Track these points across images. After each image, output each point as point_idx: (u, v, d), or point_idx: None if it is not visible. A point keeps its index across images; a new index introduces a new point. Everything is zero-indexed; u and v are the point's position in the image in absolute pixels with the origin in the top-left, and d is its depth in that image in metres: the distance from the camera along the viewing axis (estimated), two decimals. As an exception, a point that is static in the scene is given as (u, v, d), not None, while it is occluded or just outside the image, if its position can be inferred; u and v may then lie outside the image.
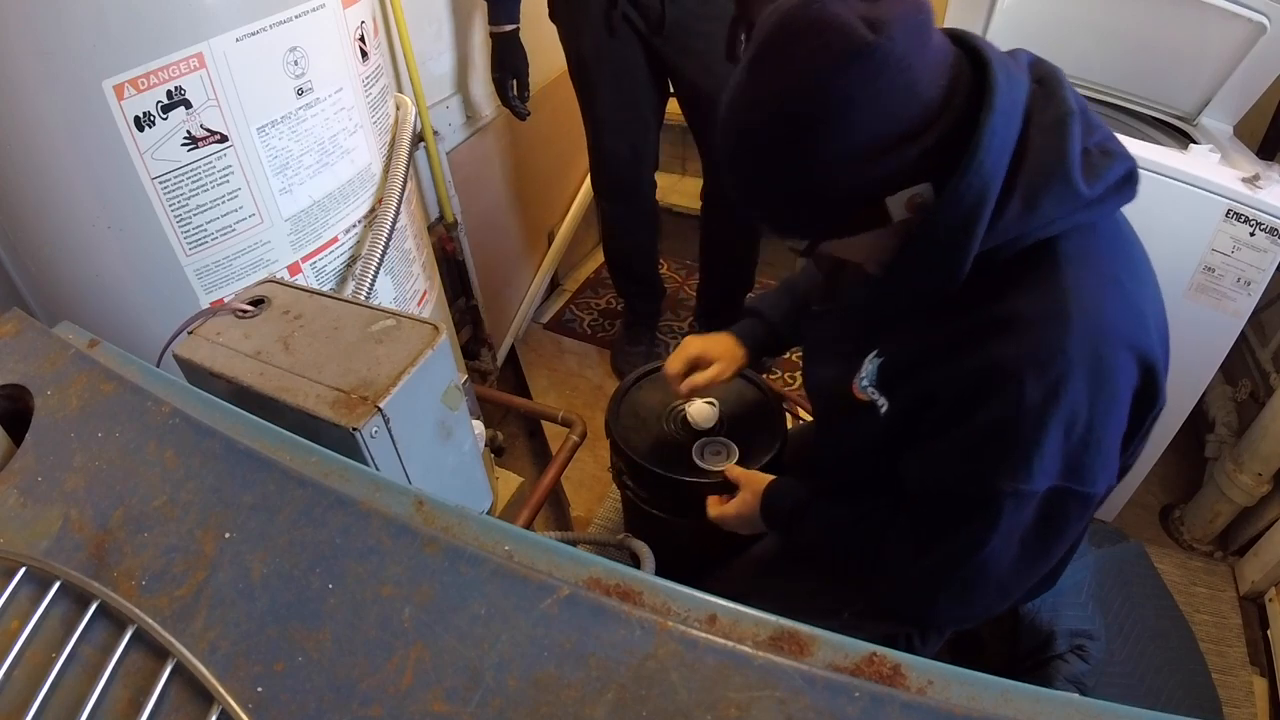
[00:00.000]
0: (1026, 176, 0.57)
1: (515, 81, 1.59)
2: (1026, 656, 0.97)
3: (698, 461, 1.12)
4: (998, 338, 0.60)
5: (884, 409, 0.71)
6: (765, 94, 0.57)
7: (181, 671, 0.40)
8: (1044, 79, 0.61)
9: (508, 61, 1.57)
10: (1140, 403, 0.63)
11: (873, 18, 0.52)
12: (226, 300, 0.67)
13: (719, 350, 1.05)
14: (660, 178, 1.89)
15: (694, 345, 1.05)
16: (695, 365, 1.04)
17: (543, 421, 1.81)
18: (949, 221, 0.57)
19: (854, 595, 0.90)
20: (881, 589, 0.78)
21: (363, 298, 0.97)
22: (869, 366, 0.72)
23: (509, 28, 1.54)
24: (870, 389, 0.72)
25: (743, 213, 0.66)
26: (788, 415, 1.18)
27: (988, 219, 0.57)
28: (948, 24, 1.46)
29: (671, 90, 1.68)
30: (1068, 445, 0.60)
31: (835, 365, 0.79)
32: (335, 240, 0.98)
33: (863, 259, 0.69)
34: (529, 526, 1.31)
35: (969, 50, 0.60)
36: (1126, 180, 0.61)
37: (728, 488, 1.08)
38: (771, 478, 0.94)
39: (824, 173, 0.58)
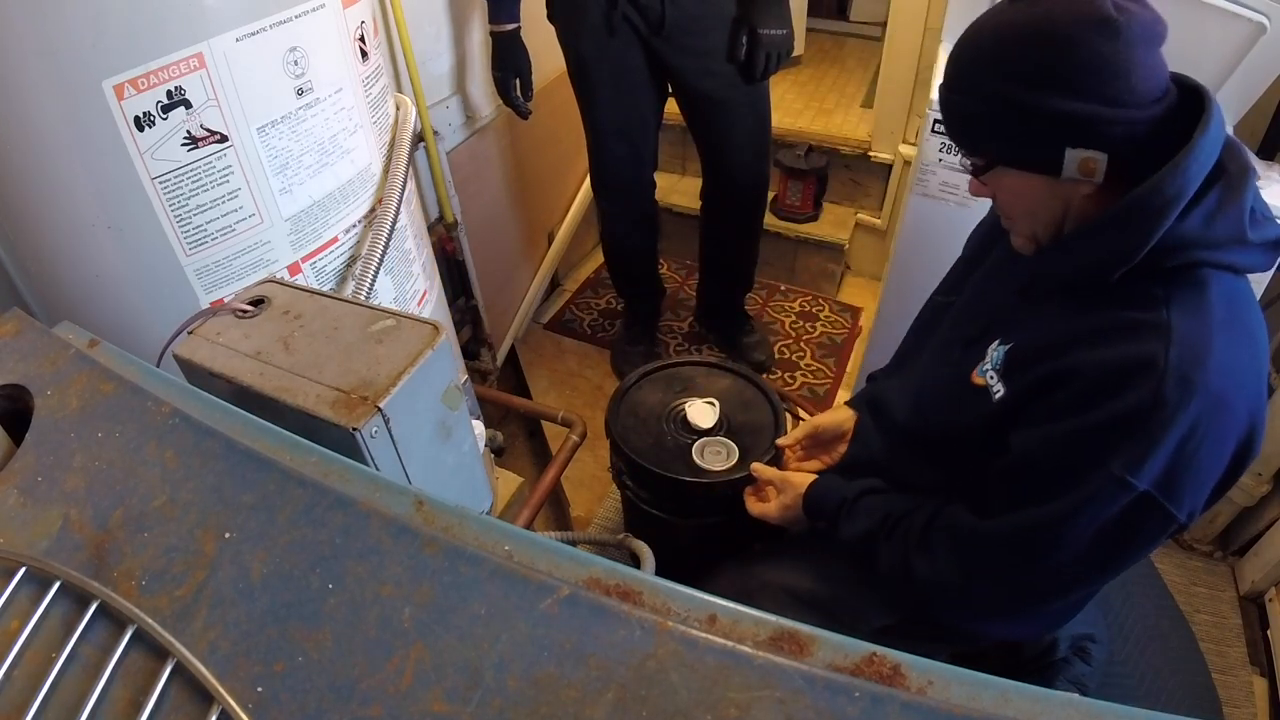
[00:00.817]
0: (1212, 198, 0.66)
1: (518, 81, 1.59)
2: (1029, 663, 0.97)
3: (698, 461, 1.12)
4: (1147, 336, 0.66)
5: (999, 395, 0.76)
6: (1021, 21, 0.69)
7: (181, 671, 0.40)
8: (1232, 143, 0.70)
9: (509, 61, 1.57)
10: (1236, 456, 0.68)
11: (1121, 5, 0.65)
12: (226, 300, 0.67)
13: (836, 413, 1.10)
14: (660, 178, 1.89)
15: (812, 420, 1.11)
16: (814, 434, 1.10)
17: (543, 421, 1.81)
18: (1146, 204, 0.66)
19: (879, 606, 0.91)
20: (926, 567, 0.79)
21: (363, 298, 0.97)
22: (994, 353, 0.78)
23: (510, 27, 1.54)
24: (991, 374, 0.78)
25: (949, 121, 0.77)
26: (787, 415, 1.18)
27: (1176, 215, 0.66)
28: (948, 23, 1.47)
29: (670, 91, 1.68)
30: (1176, 456, 0.65)
31: (955, 354, 0.85)
32: (335, 240, 0.98)
33: (1019, 212, 0.77)
34: (529, 526, 1.31)
35: (1187, 90, 0.70)
36: (1276, 245, 0.69)
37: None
38: (813, 477, 0.97)
39: (1034, 91, 0.68)
